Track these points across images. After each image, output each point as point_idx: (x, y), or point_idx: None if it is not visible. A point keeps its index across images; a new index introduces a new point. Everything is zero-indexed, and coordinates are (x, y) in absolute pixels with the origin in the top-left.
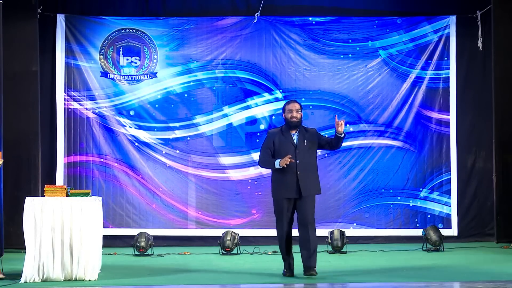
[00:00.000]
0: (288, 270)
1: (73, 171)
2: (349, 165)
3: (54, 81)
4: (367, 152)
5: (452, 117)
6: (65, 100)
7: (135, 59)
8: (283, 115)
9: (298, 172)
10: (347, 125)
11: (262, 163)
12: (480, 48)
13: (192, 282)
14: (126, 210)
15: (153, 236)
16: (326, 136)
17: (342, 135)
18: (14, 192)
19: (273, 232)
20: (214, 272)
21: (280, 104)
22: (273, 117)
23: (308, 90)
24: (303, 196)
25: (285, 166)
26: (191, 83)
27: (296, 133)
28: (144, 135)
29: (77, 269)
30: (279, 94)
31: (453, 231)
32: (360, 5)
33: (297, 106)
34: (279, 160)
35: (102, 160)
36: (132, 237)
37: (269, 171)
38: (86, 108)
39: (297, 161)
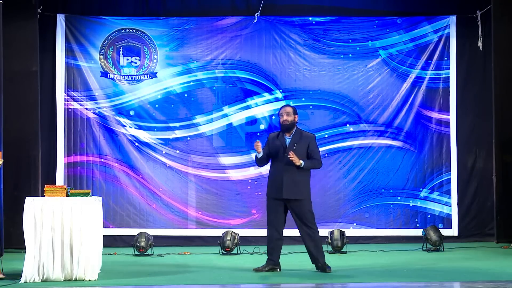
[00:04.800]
0: (266, 267)
1: (73, 171)
2: (349, 165)
3: (54, 81)
4: (367, 152)
5: (452, 117)
6: (65, 100)
7: (135, 59)
8: (279, 120)
9: (284, 174)
10: (347, 125)
11: (256, 161)
12: (480, 48)
13: (192, 282)
14: (126, 210)
15: (153, 236)
16: (310, 152)
17: (302, 166)
18: (14, 192)
19: None
20: (214, 272)
21: (280, 104)
22: (273, 117)
23: (308, 90)
24: (290, 199)
25: (258, 152)
26: (191, 83)
27: (290, 136)
28: (144, 135)
29: (77, 269)
30: (279, 94)
31: (453, 231)
32: (360, 5)
33: (287, 109)
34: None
35: (102, 160)
36: (132, 237)
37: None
38: (86, 108)
39: (284, 165)
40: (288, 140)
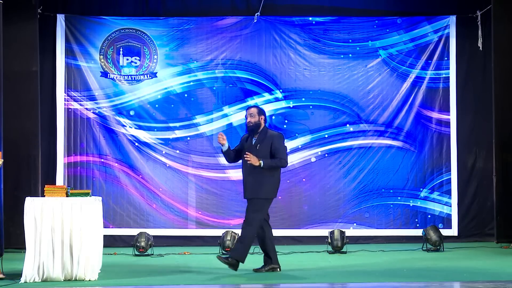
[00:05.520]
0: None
1: (73, 171)
2: (349, 165)
3: (54, 81)
4: (367, 152)
5: (452, 117)
6: (65, 100)
7: (135, 59)
8: None
9: (248, 174)
10: (347, 125)
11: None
12: (480, 48)
13: (192, 282)
14: (126, 210)
15: (153, 236)
16: (274, 150)
17: (261, 166)
18: (14, 192)
19: (273, 232)
20: (214, 272)
21: (280, 104)
22: (273, 117)
23: (308, 90)
24: (248, 199)
25: (222, 144)
26: (191, 83)
27: (255, 137)
28: (144, 135)
29: (77, 269)
30: (279, 94)
31: (453, 231)
32: (360, 5)
33: (251, 111)
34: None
35: (102, 160)
36: (132, 237)
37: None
38: (86, 108)
39: (245, 165)
40: (253, 141)
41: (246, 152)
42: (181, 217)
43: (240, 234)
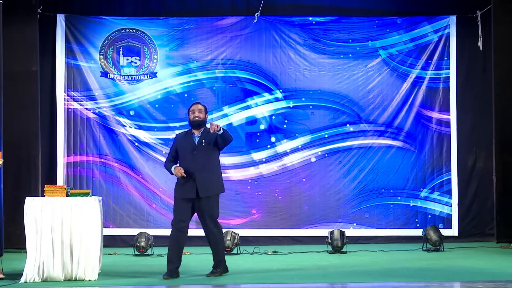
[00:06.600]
0: (172, 274)
1: (73, 171)
2: (349, 165)
3: (54, 81)
4: (367, 152)
5: (453, 117)
6: (65, 100)
7: (135, 59)
8: (188, 117)
9: (196, 173)
10: (347, 125)
11: (165, 166)
12: (480, 48)
13: (192, 282)
14: (126, 210)
15: (153, 236)
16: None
17: (220, 132)
18: (14, 192)
19: (273, 232)
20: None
21: (280, 104)
22: (273, 117)
23: (308, 90)
24: (201, 198)
25: (179, 175)
26: (191, 83)
27: (199, 135)
28: (144, 135)
29: (77, 269)
30: (279, 94)
31: (453, 231)
32: (360, 5)
33: (200, 106)
34: (175, 166)
35: (102, 160)
36: (132, 237)
37: (270, 170)
38: (86, 108)
39: (194, 164)
40: (197, 139)
41: (211, 122)
42: None
43: (213, 243)
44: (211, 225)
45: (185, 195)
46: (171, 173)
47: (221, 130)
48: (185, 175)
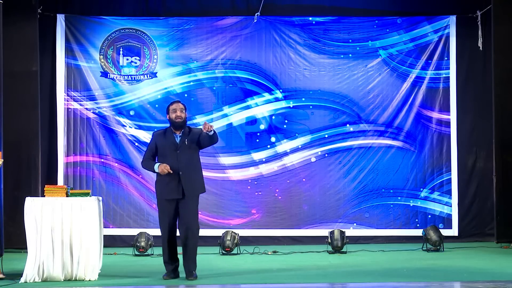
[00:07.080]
0: (171, 274)
1: (73, 171)
2: (349, 165)
3: (54, 81)
4: (367, 152)
5: (453, 117)
6: (65, 100)
7: (135, 59)
8: (167, 116)
9: (180, 173)
10: (347, 125)
11: (143, 165)
12: (480, 48)
13: (192, 282)
14: (126, 210)
15: (153, 236)
16: (202, 137)
17: (211, 133)
18: (14, 192)
19: (273, 232)
20: (214, 272)
21: (280, 104)
22: (273, 117)
23: (308, 90)
24: (186, 197)
25: (165, 172)
26: (191, 83)
27: (180, 134)
28: (144, 135)
29: (77, 269)
30: (279, 94)
31: (453, 231)
32: (360, 5)
33: (181, 105)
34: (159, 164)
35: (102, 160)
36: (132, 237)
37: (270, 170)
38: (86, 108)
39: (178, 163)
40: (178, 138)
41: (205, 122)
42: None
43: (187, 247)
44: (193, 224)
45: (169, 195)
46: (153, 171)
47: (212, 132)
48: (171, 172)
